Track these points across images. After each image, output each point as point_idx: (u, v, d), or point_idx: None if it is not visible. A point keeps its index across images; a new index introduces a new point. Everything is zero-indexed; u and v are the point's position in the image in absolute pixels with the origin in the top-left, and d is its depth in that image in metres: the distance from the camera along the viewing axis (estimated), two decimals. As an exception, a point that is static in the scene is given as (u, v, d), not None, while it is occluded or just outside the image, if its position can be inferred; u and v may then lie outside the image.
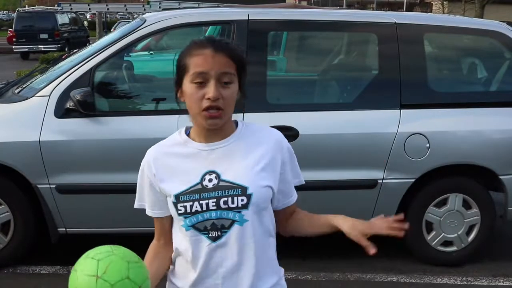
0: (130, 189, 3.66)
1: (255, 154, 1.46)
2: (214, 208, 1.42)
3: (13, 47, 20.50)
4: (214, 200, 1.42)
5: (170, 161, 1.49)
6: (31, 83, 3.79)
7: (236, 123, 1.51)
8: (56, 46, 20.01)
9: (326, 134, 3.49)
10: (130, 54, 5.43)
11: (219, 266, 1.45)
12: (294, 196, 1.57)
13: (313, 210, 3.28)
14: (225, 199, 1.41)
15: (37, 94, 3.46)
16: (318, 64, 4.19)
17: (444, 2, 28.03)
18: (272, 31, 4.09)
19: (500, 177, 3.66)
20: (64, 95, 3.38)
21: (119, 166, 3.44)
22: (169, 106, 3.85)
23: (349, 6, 40.58)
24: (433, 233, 3.74)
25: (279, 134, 1.52)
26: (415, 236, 3.75)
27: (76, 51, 4.41)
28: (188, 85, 1.43)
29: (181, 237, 1.49)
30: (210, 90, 1.38)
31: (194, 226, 1.43)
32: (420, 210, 3.70)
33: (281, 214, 1.57)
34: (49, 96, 3.42)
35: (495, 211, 3.79)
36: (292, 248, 4.00)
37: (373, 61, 3.85)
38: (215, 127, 1.42)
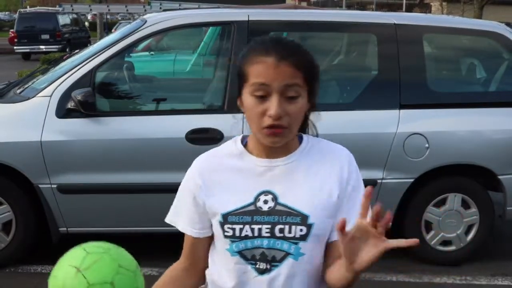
0: (131, 189, 3.72)
1: (320, 177, 1.25)
2: (267, 236, 1.21)
3: (15, 47, 20.51)
4: (269, 226, 1.21)
5: (222, 174, 1.28)
6: (32, 83, 3.80)
7: (301, 137, 1.30)
8: (57, 46, 20.03)
9: (326, 134, 3.47)
10: (130, 54, 5.45)
11: None
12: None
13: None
14: (281, 226, 1.21)
15: (39, 95, 3.48)
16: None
17: (443, 3, 28.03)
18: (272, 31, 4.10)
19: (499, 177, 3.67)
20: (65, 96, 3.40)
21: (120, 166, 3.45)
22: (170, 106, 3.88)
23: (349, 7, 40.56)
24: (432, 232, 3.76)
25: (349, 156, 1.32)
26: (414, 235, 3.76)
27: (77, 52, 4.43)
28: (247, 97, 1.21)
29: (221, 264, 1.27)
30: (273, 106, 1.17)
31: (240, 253, 1.23)
32: (419, 209, 3.71)
33: (328, 252, 1.27)
34: (51, 96, 3.43)
35: (494, 211, 3.80)
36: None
37: (373, 62, 3.86)
38: (276, 145, 1.22)
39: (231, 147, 1.32)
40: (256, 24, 3.60)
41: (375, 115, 3.60)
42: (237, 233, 1.22)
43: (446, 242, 3.80)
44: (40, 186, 3.44)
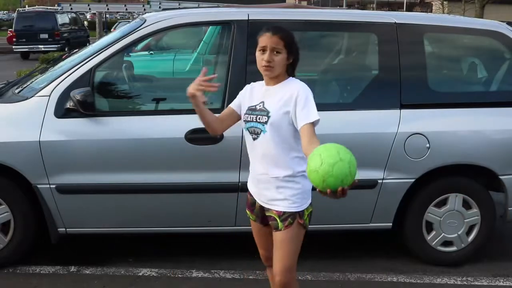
0: (130, 189, 3.70)
1: (283, 95, 2.39)
2: (254, 120, 2.44)
3: (13, 47, 20.51)
4: (255, 116, 2.44)
5: (255, 91, 2.54)
6: (31, 83, 3.79)
7: (288, 78, 2.45)
8: (56, 46, 20.02)
9: (326, 134, 3.46)
10: (130, 54, 5.43)
11: (257, 155, 2.48)
12: (301, 122, 2.32)
13: (313, 209, 3.26)
14: (259, 116, 2.42)
15: (37, 94, 3.46)
16: (318, 64, 4.18)
17: (444, 2, 28.03)
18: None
19: (500, 177, 3.66)
20: (64, 95, 3.38)
21: (119, 166, 3.44)
22: (169, 106, 3.86)
23: (349, 6, 40.56)
24: (433, 233, 3.75)
25: (299, 85, 2.40)
26: (415, 236, 3.75)
27: (76, 51, 4.41)
28: (257, 53, 2.41)
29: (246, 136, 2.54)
30: (266, 56, 2.37)
31: (248, 129, 2.49)
32: (420, 210, 3.70)
33: (301, 134, 2.34)
34: (49, 96, 3.42)
35: (495, 211, 3.79)
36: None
37: (373, 61, 3.85)
38: (269, 76, 2.42)
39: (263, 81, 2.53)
40: (256, 24, 3.58)
41: (376, 115, 3.58)
42: (246, 118, 2.50)
43: (447, 243, 3.79)
44: (38, 186, 3.42)
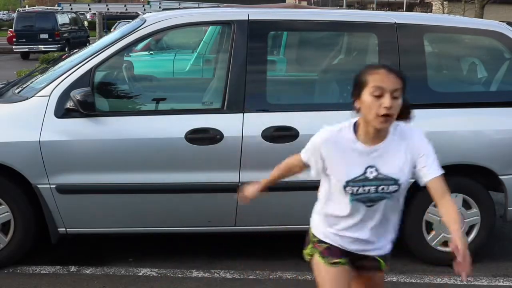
0: (130, 189, 3.70)
1: (402, 152, 2.02)
2: (374, 192, 2.03)
3: (13, 47, 20.50)
4: (375, 187, 2.03)
5: (341, 149, 2.04)
6: (31, 83, 3.79)
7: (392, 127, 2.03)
8: (56, 46, 20.02)
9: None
10: (130, 54, 5.43)
11: (369, 219, 2.10)
12: (430, 175, 2.04)
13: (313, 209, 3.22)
14: (383, 187, 2.02)
15: (37, 94, 3.46)
16: (318, 64, 4.19)
17: (444, 2, 28.02)
18: (272, 31, 4.09)
19: (500, 177, 3.66)
20: (64, 95, 3.38)
21: (119, 166, 3.44)
22: (169, 106, 3.86)
23: (349, 6, 40.57)
24: (433, 233, 3.75)
25: (418, 136, 2.07)
26: (415, 236, 3.75)
27: (76, 51, 4.41)
28: (367, 96, 1.94)
29: (339, 202, 2.09)
30: (387, 101, 1.89)
31: (357, 200, 2.06)
32: (420, 210, 3.70)
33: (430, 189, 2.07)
34: (49, 96, 3.42)
35: (495, 211, 3.79)
36: (292, 248, 4.00)
37: (373, 61, 3.84)
38: (385, 128, 1.97)
39: (347, 132, 2.05)
40: (256, 24, 3.59)
41: (376, 115, 3.57)
42: (355, 192, 2.03)
43: (447, 243, 3.78)
44: (38, 186, 3.42)
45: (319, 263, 2.21)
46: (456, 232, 1.94)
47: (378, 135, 2.00)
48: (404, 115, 2.01)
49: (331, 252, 2.18)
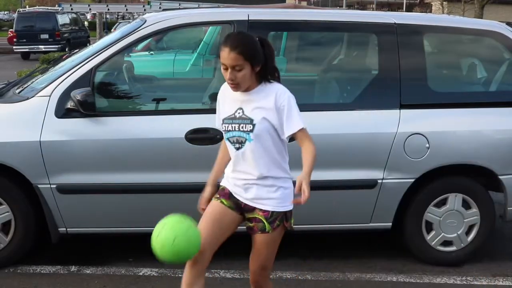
0: (130, 189, 3.70)
1: (263, 103, 2.34)
2: (237, 129, 2.37)
3: (14, 47, 20.52)
4: (237, 125, 2.37)
5: (226, 96, 2.46)
6: (31, 83, 3.79)
7: (261, 82, 2.36)
8: (56, 46, 20.03)
9: (326, 134, 3.50)
10: (130, 54, 5.44)
11: (242, 163, 2.42)
12: (287, 132, 2.36)
13: (313, 209, 3.27)
14: (243, 125, 2.36)
15: (38, 94, 3.47)
16: (318, 64, 4.19)
17: (444, 2, 28.03)
18: (272, 31, 4.10)
19: (500, 177, 3.67)
20: (65, 95, 3.39)
21: (120, 166, 3.44)
22: (169, 106, 3.87)
23: (349, 6, 40.57)
24: (433, 233, 3.75)
25: (277, 92, 2.34)
26: (415, 236, 3.75)
27: (77, 51, 4.42)
28: (220, 66, 2.33)
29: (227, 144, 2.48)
30: (228, 75, 2.29)
31: (228, 139, 2.42)
32: (420, 210, 3.70)
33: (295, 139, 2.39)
34: (50, 96, 3.42)
35: (494, 211, 3.79)
36: (292, 248, 4.00)
37: (373, 61, 3.85)
38: (236, 91, 2.37)
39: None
40: (256, 24, 3.59)
41: (376, 115, 3.59)
42: (226, 128, 2.42)
43: (446, 243, 3.79)
44: (39, 186, 3.43)
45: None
46: (305, 175, 2.25)
47: (246, 89, 2.37)
48: (271, 75, 2.37)
49: (223, 192, 2.52)
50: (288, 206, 2.42)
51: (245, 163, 2.40)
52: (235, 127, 2.37)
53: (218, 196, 2.53)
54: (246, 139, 2.36)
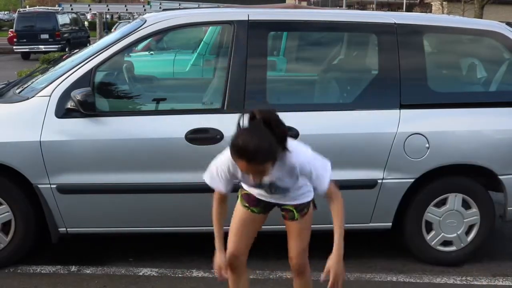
0: (131, 189, 3.70)
1: (285, 173, 2.38)
2: (263, 189, 2.52)
3: (14, 47, 20.52)
4: (263, 190, 2.52)
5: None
6: (31, 83, 3.79)
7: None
8: (56, 46, 20.03)
9: (326, 134, 3.50)
10: (130, 54, 5.44)
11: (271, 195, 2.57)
12: (318, 190, 2.43)
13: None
14: (272, 189, 2.49)
15: (38, 94, 3.47)
16: (318, 64, 4.19)
17: (444, 2, 28.04)
18: (272, 31, 4.10)
19: (500, 177, 3.67)
20: (65, 95, 3.39)
21: (120, 166, 3.45)
22: (170, 106, 3.87)
23: (349, 6, 40.58)
24: (433, 233, 3.75)
25: (300, 163, 2.33)
26: (415, 236, 3.76)
27: (77, 52, 4.42)
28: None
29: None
30: (253, 180, 2.30)
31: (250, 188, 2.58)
32: (420, 210, 3.71)
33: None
34: (50, 96, 3.43)
35: (494, 211, 3.80)
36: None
37: (373, 61, 3.85)
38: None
39: None
40: (256, 24, 3.60)
41: (376, 115, 3.59)
42: (247, 188, 2.60)
43: (446, 243, 3.79)
44: (39, 186, 3.43)
45: (238, 202, 2.70)
46: (335, 259, 2.47)
47: None
48: (282, 149, 2.26)
49: (249, 199, 2.64)
50: (310, 196, 2.60)
51: (267, 197, 2.60)
52: (261, 190, 2.54)
53: (246, 204, 2.67)
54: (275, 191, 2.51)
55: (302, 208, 2.60)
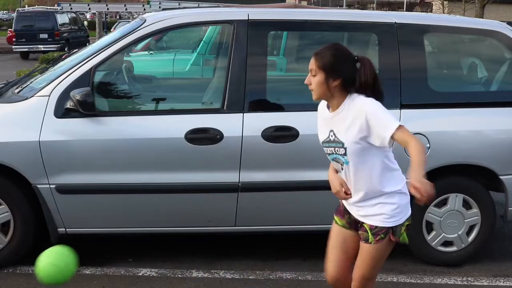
0: (130, 189, 3.69)
1: (349, 121, 2.27)
2: (334, 152, 2.38)
3: (13, 47, 20.50)
4: (333, 148, 2.37)
5: (320, 116, 2.49)
6: (31, 83, 3.78)
7: (346, 97, 2.32)
8: (56, 46, 20.01)
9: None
10: (130, 54, 5.43)
11: (347, 179, 2.42)
12: (387, 134, 2.22)
13: (313, 209, 3.25)
14: (337, 148, 2.34)
15: (37, 94, 3.46)
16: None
17: (444, 2, 28.03)
18: (272, 31, 4.09)
19: (500, 177, 3.66)
20: (64, 95, 3.38)
21: (119, 166, 3.44)
22: (169, 106, 3.86)
23: (349, 6, 40.58)
24: (433, 233, 3.74)
25: (361, 103, 2.26)
26: (415, 236, 3.75)
27: (76, 51, 4.41)
28: None
29: None
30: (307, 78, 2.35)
31: (332, 159, 2.44)
32: (420, 210, 3.70)
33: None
34: (49, 96, 3.42)
35: (495, 211, 3.79)
36: (293, 248, 4.00)
37: (373, 61, 3.82)
38: (314, 99, 2.38)
39: (324, 103, 2.47)
40: (256, 23, 3.59)
41: (376, 115, 3.57)
42: (326, 151, 2.45)
43: (447, 243, 3.78)
44: (38, 186, 3.42)
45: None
46: (414, 175, 2.14)
47: (332, 104, 2.35)
48: (345, 90, 2.30)
49: (339, 209, 2.60)
50: (395, 222, 2.39)
51: (349, 184, 2.42)
52: (332, 150, 2.38)
53: (336, 216, 2.60)
54: (343, 162, 2.36)
55: (377, 232, 2.39)
